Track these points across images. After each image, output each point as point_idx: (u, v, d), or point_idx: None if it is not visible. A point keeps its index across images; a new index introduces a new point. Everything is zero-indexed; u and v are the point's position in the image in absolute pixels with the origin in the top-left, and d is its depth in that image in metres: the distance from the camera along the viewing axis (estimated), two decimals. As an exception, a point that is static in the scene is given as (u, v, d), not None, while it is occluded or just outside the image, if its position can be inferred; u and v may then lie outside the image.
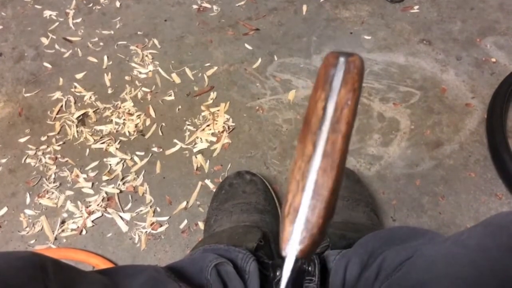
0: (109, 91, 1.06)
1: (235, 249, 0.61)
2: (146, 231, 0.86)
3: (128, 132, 0.99)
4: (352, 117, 0.28)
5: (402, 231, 0.60)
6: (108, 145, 0.97)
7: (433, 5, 1.18)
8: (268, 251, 0.69)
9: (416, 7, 1.18)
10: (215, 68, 1.09)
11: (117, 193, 0.91)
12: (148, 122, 1.00)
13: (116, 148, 0.96)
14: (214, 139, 0.97)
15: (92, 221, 0.88)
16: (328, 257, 0.62)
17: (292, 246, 0.28)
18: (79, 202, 0.90)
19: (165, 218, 0.88)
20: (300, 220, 0.28)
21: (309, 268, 0.61)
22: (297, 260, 0.28)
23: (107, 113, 1.02)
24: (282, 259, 0.29)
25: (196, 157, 0.95)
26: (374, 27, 1.14)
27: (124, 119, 1.01)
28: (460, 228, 0.83)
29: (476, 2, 1.17)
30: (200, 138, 0.97)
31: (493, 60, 1.05)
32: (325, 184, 0.28)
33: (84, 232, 0.87)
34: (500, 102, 0.94)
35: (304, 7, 1.19)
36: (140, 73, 1.09)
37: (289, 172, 0.29)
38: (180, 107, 1.03)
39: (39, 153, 0.97)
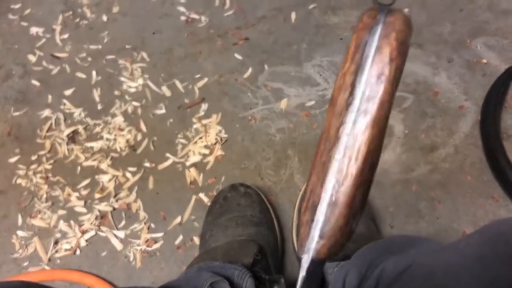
0: (99, 107, 1.05)
1: (231, 266, 0.60)
2: (141, 249, 0.85)
3: (120, 147, 0.98)
4: (390, 94, 0.22)
5: (400, 240, 0.59)
6: (100, 162, 0.96)
7: (422, 8, 1.18)
8: (265, 265, 0.68)
9: (405, 10, 1.17)
10: (206, 79, 1.08)
11: (110, 211, 0.89)
12: (139, 137, 0.99)
13: (108, 165, 0.95)
14: (207, 151, 0.96)
15: (86, 240, 0.87)
16: (326, 269, 0.61)
17: (308, 247, 0.25)
18: (72, 221, 0.89)
19: (160, 235, 0.86)
20: (319, 218, 0.24)
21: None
22: (313, 263, 0.25)
23: (98, 129, 1.01)
24: (299, 260, 0.25)
25: (189, 171, 0.93)
26: (364, 32, 1.14)
27: (115, 135, 1.00)
28: (458, 233, 0.82)
29: (465, 3, 1.17)
30: (193, 151, 0.96)
31: (484, 61, 1.05)
32: (349, 175, 0.23)
33: (78, 252, 0.86)
34: (493, 103, 0.94)
35: (293, 15, 1.19)
36: (130, 87, 1.08)
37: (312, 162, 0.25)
38: (171, 120, 1.01)
39: (30, 172, 0.96)
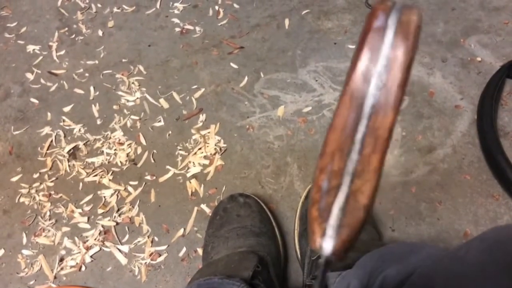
0: (98, 122, 1.06)
1: (229, 282, 0.60)
2: (145, 262, 0.86)
3: (120, 162, 0.98)
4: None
5: (400, 248, 0.60)
6: (101, 177, 0.97)
7: (415, 8, 1.18)
8: (266, 276, 0.68)
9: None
10: (203, 89, 1.09)
11: (114, 226, 0.90)
12: (139, 150, 1.00)
13: (109, 180, 0.96)
14: (206, 162, 0.97)
15: (91, 256, 0.87)
16: (328, 280, 0.62)
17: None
18: (76, 238, 0.90)
19: (164, 247, 0.87)
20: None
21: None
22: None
23: (98, 144, 1.02)
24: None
25: (190, 182, 0.94)
26: (358, 36, 1.14)
27: (115, 149, 1.00)
28: (459, 233, 0.83)
29: (456, 2, 1.17)
30: (193, 162, 0.97)
31: (479, 59, 1.05)
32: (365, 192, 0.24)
33: (83, 268, 0.87)
34: (489, 102, 0.94)
35: (287, 21, 1.19)
36: (128, 101, 1.09)
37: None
38: (170, 132, 1.02)
39: (33, 191, 0.96)
